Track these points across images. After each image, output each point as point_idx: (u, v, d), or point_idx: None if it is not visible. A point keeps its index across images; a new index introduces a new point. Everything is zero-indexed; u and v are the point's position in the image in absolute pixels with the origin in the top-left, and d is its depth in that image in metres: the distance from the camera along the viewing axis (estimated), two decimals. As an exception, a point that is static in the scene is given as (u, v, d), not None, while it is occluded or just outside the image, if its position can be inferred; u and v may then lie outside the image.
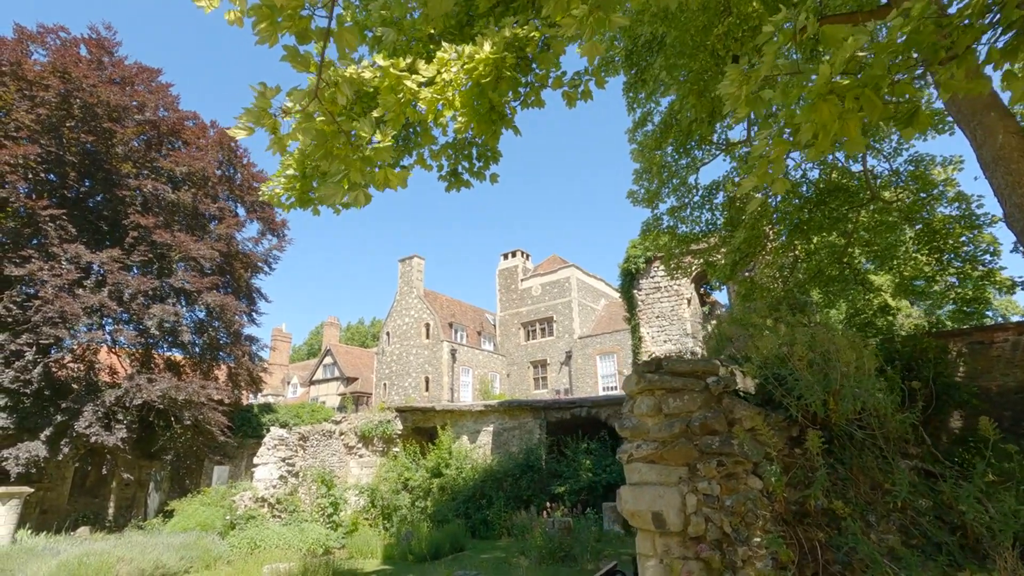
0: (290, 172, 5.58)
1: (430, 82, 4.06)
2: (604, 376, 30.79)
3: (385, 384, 33.10)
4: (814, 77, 2.48)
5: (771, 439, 3.04)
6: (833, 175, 11.30)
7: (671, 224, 12.52)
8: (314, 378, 40.81)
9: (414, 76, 3.96)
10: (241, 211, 23.22)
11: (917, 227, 11.29)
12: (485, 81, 3.73)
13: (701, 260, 13.34)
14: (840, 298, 12.35)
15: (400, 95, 3.87)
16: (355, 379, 38.57)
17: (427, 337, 32.09)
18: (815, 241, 11.63)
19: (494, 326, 37.60)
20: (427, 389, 30.81)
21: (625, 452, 3.50)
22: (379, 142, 2.88)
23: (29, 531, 14.09)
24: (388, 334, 34.18)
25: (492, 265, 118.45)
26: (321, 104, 2.61)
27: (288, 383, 44.23)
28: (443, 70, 3.92)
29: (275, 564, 9.19)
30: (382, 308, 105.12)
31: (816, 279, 11.68)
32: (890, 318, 11.32)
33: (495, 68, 3.79)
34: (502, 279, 37.55)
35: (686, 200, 12.20)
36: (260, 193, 5.59)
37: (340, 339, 48.29)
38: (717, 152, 11.86)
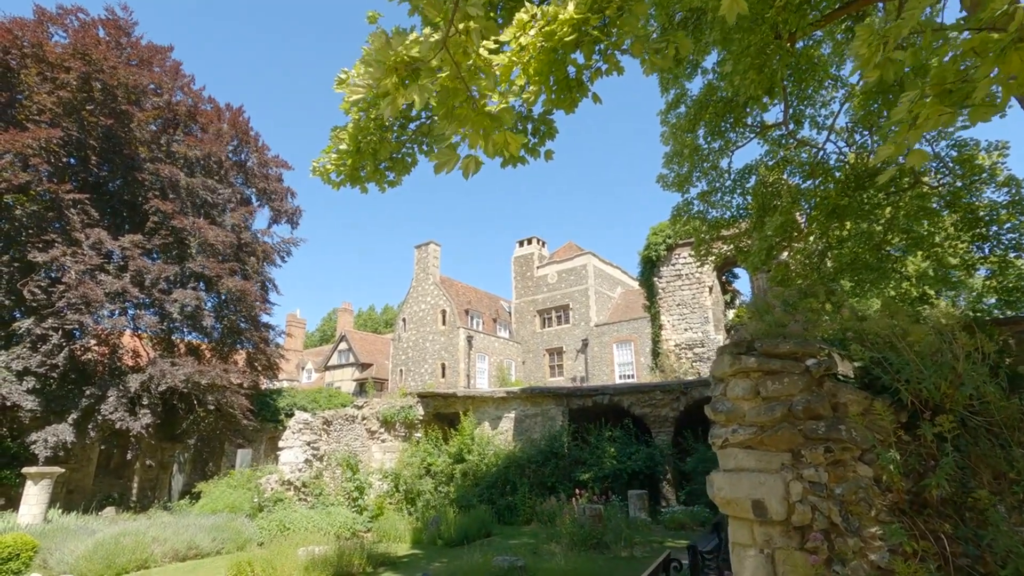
0: (343, 147, 5.41)
1: (498, 49, 3.84)
2: (621, 364, 30.63)
3: (401, 370, 33.17)
4: (967, 34, 2.25)
5: (889, 424, 2.85)
6: (869, 159, 10.96)
7: (701, 209, 12.26)
8: (329, 364, 41.01)
9: (484, 42, 3.75)
10: (255, 198, 23.15)
11: (959, 214, 10.94)
12: (567, 42, 3.50)
13: (731, 246, 13.06)
14: (875, 287, 12.06)
15: (470, 61, 3.67)
16: (370, 365, 38.70)
17: (443, 324, 32.04)
18: (848, 228, 11.32)
19: (509, 313, 37.49)
20: (443, 376, 30.83)
21: (719, 437, 3.33)
22: (497, 103, 2.67)
23: (59, 510, 14.26)
24: (404, 320, 34.17)
25: (507, 252, 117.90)
26: (450, 56, 2.40)
27: (303, 369, 44.50)
28: (520, 34, 3.69)
29: (310, 547, 9.17)
30: (394, 295, 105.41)
31: (852, 267, 11.37)
32: (928, 308, 11.04)
33: (577, 30, 3.56)
34: (517, 266, 37.35)
35: (717, 184, 11.93)
36: (311, 169, 5.43)
37: (353, 325, 48.45)
38: (751, 135, 11.54)
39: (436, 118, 6.03)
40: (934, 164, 11.08)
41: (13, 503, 14.77)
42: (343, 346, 40.69)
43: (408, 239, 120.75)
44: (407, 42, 2.33)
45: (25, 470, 12.89)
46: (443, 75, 2.44)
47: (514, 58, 3.74)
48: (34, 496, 12.72)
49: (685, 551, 7.81)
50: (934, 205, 10.85)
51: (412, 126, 6.03)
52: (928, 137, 11.09)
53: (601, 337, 31.85)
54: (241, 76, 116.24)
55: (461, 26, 2.36)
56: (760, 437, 3.17)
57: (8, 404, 14.71)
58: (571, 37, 3.53)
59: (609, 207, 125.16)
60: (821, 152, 10.71)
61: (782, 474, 3.09)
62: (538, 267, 36.47)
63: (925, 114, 2.28)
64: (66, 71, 16.92)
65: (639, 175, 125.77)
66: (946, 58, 2.43)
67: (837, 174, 10.87)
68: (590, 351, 31.99)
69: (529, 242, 37.72)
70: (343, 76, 5.49)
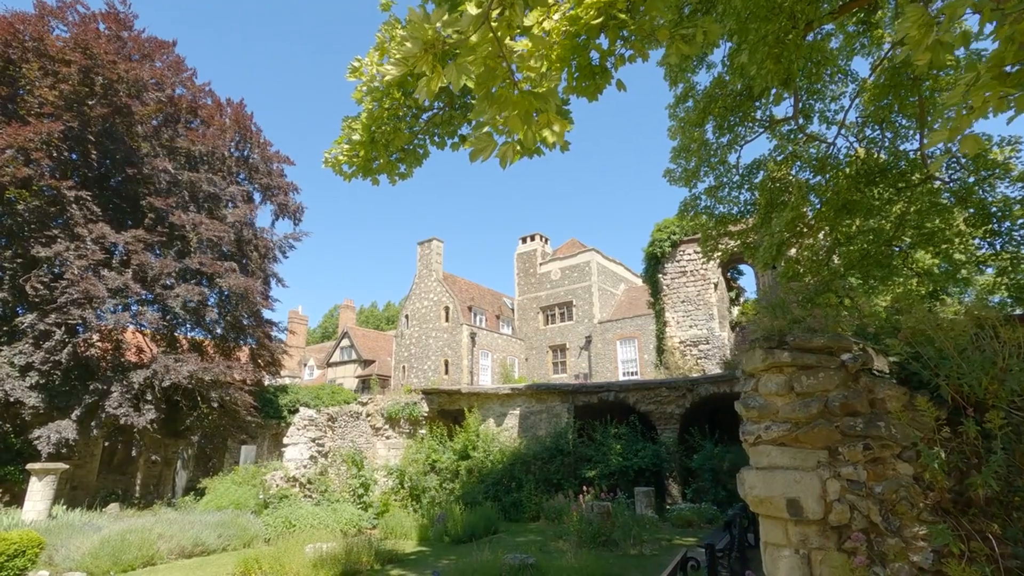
0: (356, 137, 5.29)
1: (525, 31, 3.71)
2: (624, 361, 30.54)
3: (404, 367, 33.10)
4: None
5: (931, 420, 2.75)
6: (880, 155, 10.84)
7: (708, 204, 12.16)
8: (331, 360, 40.96)
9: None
10: (257, 194, 23.02)
11: (971, 210, 10.81)
12: (593, 26, 3.38)
13: (739, 242, 12.95)
14: (884, 284, 11.94)
15: (490, 48, 3.54)
16: (372, 362, 38.64)
17: (446, 320, 31.95)
18: (857, 224, 11.20)
19: (512, 310, 37.39)
20: (446, 372, 30.76)
21: (751, 434, 3.23)
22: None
23: (64, 507, 14.19)
24: (407, 317, 34.09)
25: (509, 249, 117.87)
26: (491, 31, 2.27)
27: (305, 365, 44.46)
28: (543, 18, 3.57)
29: (318, 544, 9.10)
30: (395, 292, 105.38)
31: (862, 263, 11.24)
32: (939, 304, 10.92)
33: (603, 14, 3.44)
34: (520, 263, 37.24)
35: (724, 180, 11.83)
36: (323, 160, 5.31)
37: (355, 322, 48.38)
38: (760, 129, 11.42)
39: (449, 109, 5.93)
40: (946, 160, 10.94)
41: (17, 499, 14.71)
42: (345, 343, 40.62)
43: (408, 236, 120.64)
44: (445, 18, 2.20)
45: (29, 466, 12.82)
46: (483, 53, 2.32)
47: (539, 44, 3.63)
48: (38, 492, 12.65)
49: (697, 549, 7.74)
50: (944, 200, 10.73)
51: (424, 117, 5.92)
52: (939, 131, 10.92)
53: (604, 334, 31.75)
54: (239, 71, 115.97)
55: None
56: (795, 434, 3.06)
57: (11, 400, 14.64)
58: (597, 21, 3.41)
59: (612, 204, 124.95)
60: (832, 147, 10.59)
61: (818, 472, 2.99)
62: (541, 264, 36.35)
63: (980, 98, 2.17)
64: (67, 65, 16.79)
65: (643, 171, 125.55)
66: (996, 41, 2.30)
67: (847, 170, 10.73)
68: (593, 348, 31.91)
69: (532, 239, 37.59)
70: (356, 64, 5.38)
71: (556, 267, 35.43)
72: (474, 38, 2.24)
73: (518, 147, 2.41)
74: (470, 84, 2.38)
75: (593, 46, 3.75)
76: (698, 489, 14.58)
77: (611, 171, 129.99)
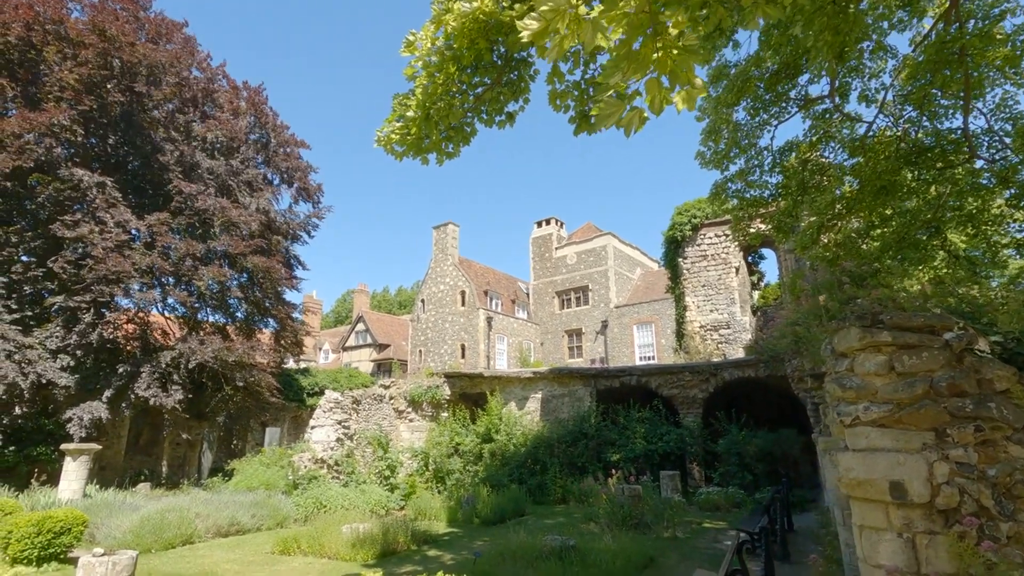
0: (410, 114, 5.15)
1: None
2: (641, 346, 30.45)
3: (421, 351, 33.24)
4: None
5: (1053, 401, 2.63)
6: (919, 134, 10.52)
7: (739, 188, 11.93)
8: (346, 344, 41.22)
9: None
10: (275, 177, 22.95)
11: (1012, 191, 10.48)
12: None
13: (769, 225, 12.71)
14: (915, 267, 11.68)
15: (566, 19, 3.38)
16: (387, 346, 38.84)
17: (462, 305, 31.96)
18: (893, 206, 10.93)
19: (527, 295, 37.32)
20: (463, 356, 30.85)
21: (847, 415, 3.13)
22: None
23: (96, 486, 14.45)
24: (423, 301, 34.14)
25: (523, 233, 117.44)
26: None
27: (320, 349, 44.80)
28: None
29: (354, 524, 9.18)
30: (406, 277, 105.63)
31: (899, 245, 10.98)
32: (977, 288, 10.67)
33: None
34: (536, 247, 37.05)
35: (755, 163, 11.58)
36: (375, 139, 5.19)
37: (368, 307, 48.58)
38: (793, 109, 11.13)
39: (496, 85, 5.76)
40: (986, 139, 10.59)
41: (51, 479, 14.99)
42: (360, 327, 40.83)
43: (419, 221, 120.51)
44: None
45: (64, 446, 13.02)
46: (625, 7, 2.17)
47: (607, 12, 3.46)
48: (73, 472, 12.86)
49: (733, 531, 7.69)
50: (984, 181, 10.40)
51: (471, 94, 5.77)
52: (984, 111, 10.59)
53: (621, 318, 31.62)
54: (247, 49, 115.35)
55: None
56: (898, 415, 2.96)
57: (43, 382, 14.84)
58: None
59: (628, 188, 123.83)
60: (871, 127, 10.30)
61: (924, 454, 2.88)
62: (557, 248, 36.15)
63: None
64: (85, 47, 16.68)
65: (661, 155, 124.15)
66: None
67: (887, 150, 10.43)
68: (610, 332, 31.81)
69: (547, 223, 37.34)
70: (410, 39, 5.23)
71: (572, 251, 35.23)
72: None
73: (644, 113, 2.27)
74: (604, 43, 2.24)
75: (671, 15, 3.59)
76: (724, 473, 14.57)
77: (627, 154, 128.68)
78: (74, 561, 8.13)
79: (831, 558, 5.99)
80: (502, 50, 5.52)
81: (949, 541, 2.76)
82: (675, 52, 2.18)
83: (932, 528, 2.82)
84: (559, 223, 37.47)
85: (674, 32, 2.15)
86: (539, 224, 37.65)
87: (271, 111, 22.80)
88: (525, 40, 2.24)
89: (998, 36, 8.96)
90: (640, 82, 2.27)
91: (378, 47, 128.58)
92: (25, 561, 7.93)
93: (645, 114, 2.30)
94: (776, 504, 8.25)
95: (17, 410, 14.69)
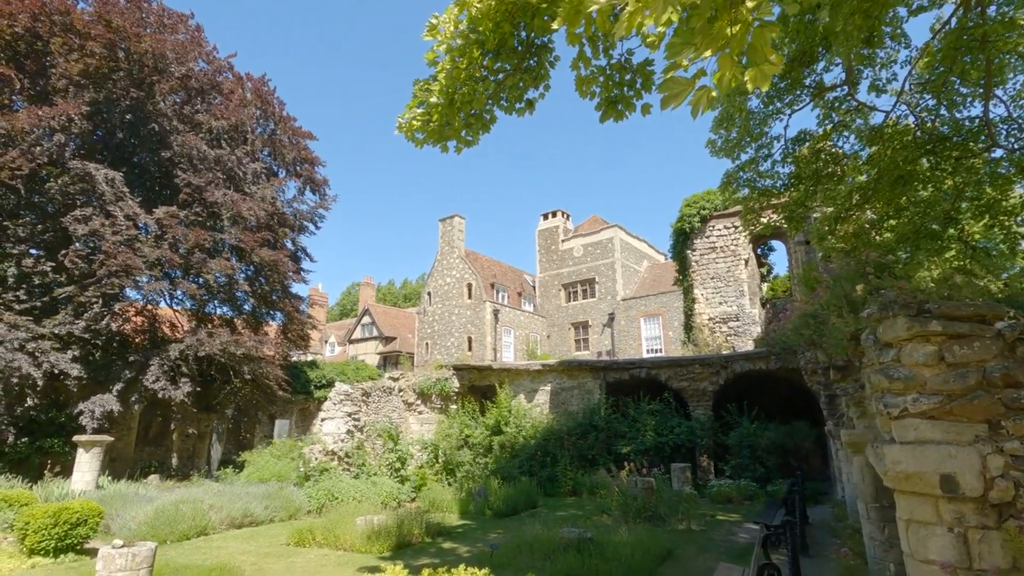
0: (433, 100, 5.05)
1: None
2: (648, 338, 30.35)
3: (427, 344, 33.24)
4: None
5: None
6: (936, 122, 10.34)
7: (750, 177, 11.79)
8: (352, 337, 41.28)
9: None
10: (281, 170, 22.86)
11: (1031, 181, 10.29)
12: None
13: (782, 216, 12.56)
14: (929, 259, 11.52)
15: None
16: (393, 338, 38.87)
17: (469, 297, 31.90)
18: (909, 196, 10.77)
19: (534, 287, 37.22)
20: (469, 349, 30.84)
21: (895, 406, 3.05)
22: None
23: (108, 477, 14.51)
24: (430, 294, 34.09)
25: (529, 226, 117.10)
26: None
27: (326, 342, 44.90)
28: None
29: (368, 516, 9.17)
30: (411, 270, 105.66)
31: (914, 236, 10.83)
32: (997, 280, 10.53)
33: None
34: (542, 240, 36.91)
35: (766, 152, 11.43)
36: (396, 126, 5.09)
37: (374, 300, 48.60)
38: (806, 98, 10.94)
39: (517, 72, 5.64)
40: (1006, 127, 10.40)
41: (64, 471, 15.06)
42: (366, 320, 40.86)
43: (423, 214, 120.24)
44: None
45: (77, 438, 13.07)
46: None
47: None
48: (86, 463, 12.91)
49: (748, 524, 7.63)
50: (1003, 171, 10.22)
51: (492, 80, 5.66)
52: (1004, 98, 10.39)
53: (628, 311, 31.51)
54: (255, 40, 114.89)
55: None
56: (948, 406, 2.87)
57: (55, 373, 14.87)
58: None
59: (634, 179, 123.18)
60: (887, 116, 10.13)
61: (977, 447, 2.80)
62: (563, 240, 36.00)
63: None
64: (91, 39, 16.58)
65: (666, 145, 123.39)
66: None
67: (903, 139, 10.26)
68: (616, 325, 31.72)
69: (554, 215, 37.18)
70: (433, 22, 5.12)
71: (578, 244, 35.08)
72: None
73: (712, 92, 2.17)
74: (674, 18, 2.14)
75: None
76: (736, 466, 14.52)
77: (634, 145, 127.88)
78: (91, 552, 8.15)
79: (855, 551, 5.93)
80: (523, 35, 5.40)
81: (1003, 536, 2.69)
82: (754, 25, 2.06)
83: (985, 523, 2.75)
84: (565, 215, 37.30)
85: (750, 4, 2.04)
86: (545, 216, 37.49)
87: (277, 101, 22.66)
88: (602, 4, 2.11)
89: (1021, 22, 8.77)
90: (708, 60, 2.16)
91: (384, 43, 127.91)
92: (42, 552, 7.95)
93: (713, 93, 2.19)
94: (795, 497, 8.19)
95: (29, 402, 14.74)
